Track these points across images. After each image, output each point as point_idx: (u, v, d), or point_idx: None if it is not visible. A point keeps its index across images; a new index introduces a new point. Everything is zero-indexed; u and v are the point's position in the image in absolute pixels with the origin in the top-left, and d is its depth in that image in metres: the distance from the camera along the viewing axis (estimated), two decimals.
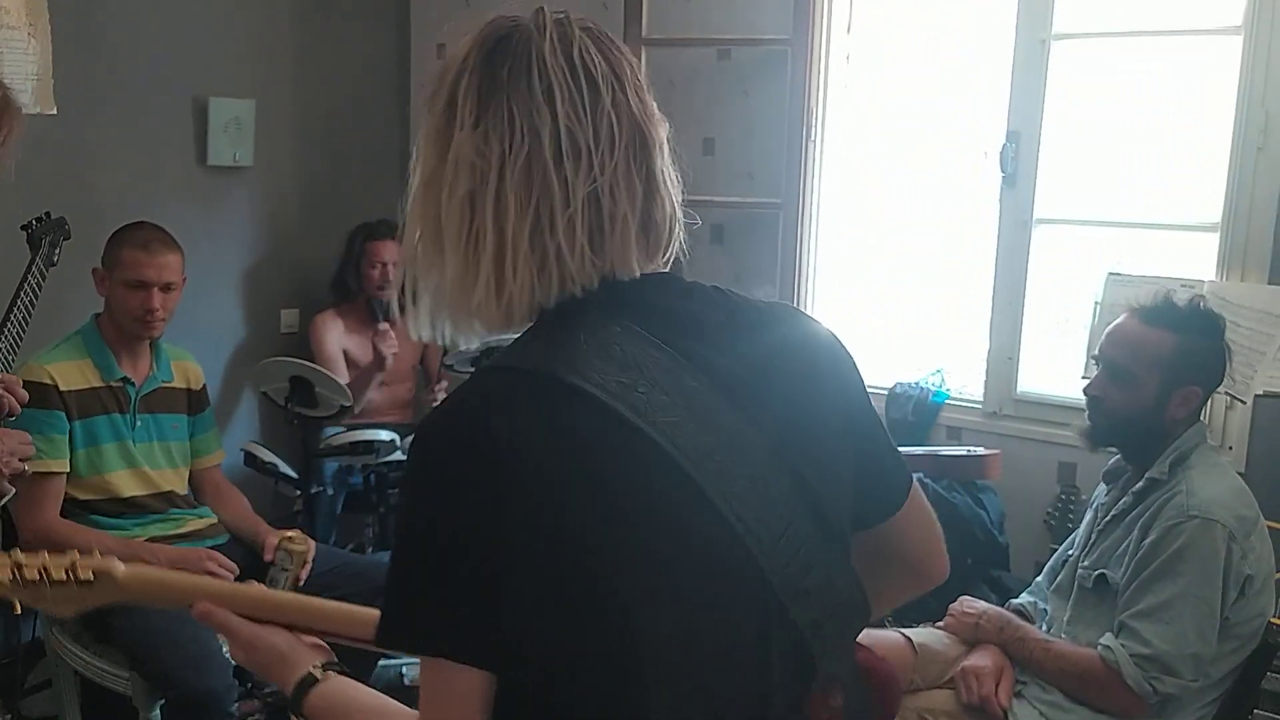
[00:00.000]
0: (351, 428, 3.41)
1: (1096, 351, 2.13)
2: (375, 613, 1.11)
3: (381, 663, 2.80)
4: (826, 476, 1.03)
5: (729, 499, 0.95)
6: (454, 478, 0.92)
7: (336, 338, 3.63)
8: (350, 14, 4.03)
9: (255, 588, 1.25)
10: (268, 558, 2.60)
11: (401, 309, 1.06)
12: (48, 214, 2.60)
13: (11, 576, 1.20)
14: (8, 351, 2.30)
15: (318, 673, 1.12)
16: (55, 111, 3.13)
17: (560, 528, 0.91)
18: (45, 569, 1.19)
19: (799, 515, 0.99)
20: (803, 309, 1.14)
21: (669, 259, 1.05)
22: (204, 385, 2.84)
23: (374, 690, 1.13)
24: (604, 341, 0.95)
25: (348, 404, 3.20)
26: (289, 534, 2.62)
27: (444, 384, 3.79)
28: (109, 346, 2.61)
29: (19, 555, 1.20)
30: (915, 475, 2.87)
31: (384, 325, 3.57)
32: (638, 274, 1.00)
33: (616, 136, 0.97)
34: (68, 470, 2.53)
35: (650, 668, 0.93)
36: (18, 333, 2.36)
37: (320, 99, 3.95)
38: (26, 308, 2.41)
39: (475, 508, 0.91)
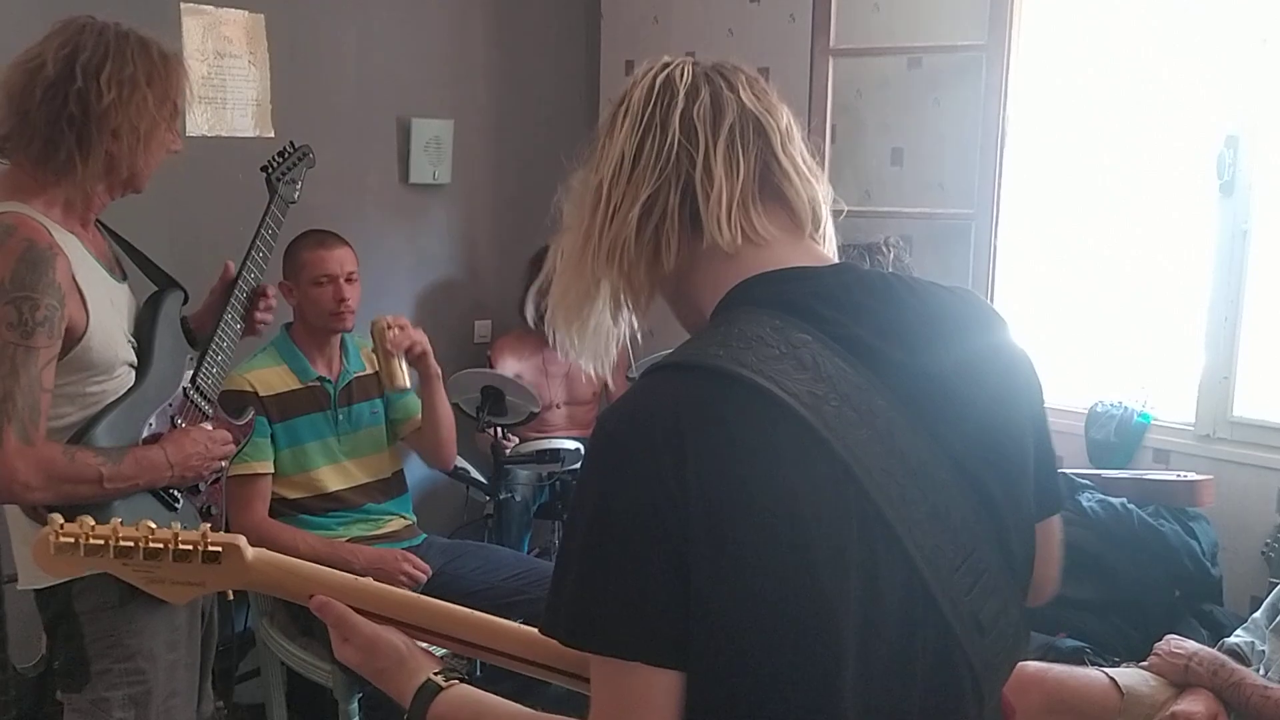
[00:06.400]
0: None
1: None
2: (516, 627, 1.11)
3: None
4: (1014, 494, 0.99)
5: (909, 526, 0.91)
6: (639, 462, 0.87)
7: (511, 365, 3.72)
8: (542, 34, 4.15)
9: (376, 585, 1.13)
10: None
11: None
12: (291, 144, 2.46)
13: (135, 545, 1.07)
14: (245, 304, 2.20)
15: (440, 680, 1.05)
16: (274, 135, 3.33)
17: (750, 524, 0.86)
18: (174, 539, 1.07)
19: (982, 542, 0.96)
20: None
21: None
22: None
23: (504, 699, 1.04)
24: (796, 348, 0.93)
25: (536, 410, 3.28)
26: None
27: None
28: (302, 351, 2.76)
29: (151, 523, 1.08)
30: (1119, 500, 2.70)
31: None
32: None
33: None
34: (272, 471, 2.68)
35: (844, 671, 0.89)
36: (255, 277, 2.23)
37: (513, 118, 4.08)
38: (266, 247, 2.27)
39: (664, 494, 0.86)
